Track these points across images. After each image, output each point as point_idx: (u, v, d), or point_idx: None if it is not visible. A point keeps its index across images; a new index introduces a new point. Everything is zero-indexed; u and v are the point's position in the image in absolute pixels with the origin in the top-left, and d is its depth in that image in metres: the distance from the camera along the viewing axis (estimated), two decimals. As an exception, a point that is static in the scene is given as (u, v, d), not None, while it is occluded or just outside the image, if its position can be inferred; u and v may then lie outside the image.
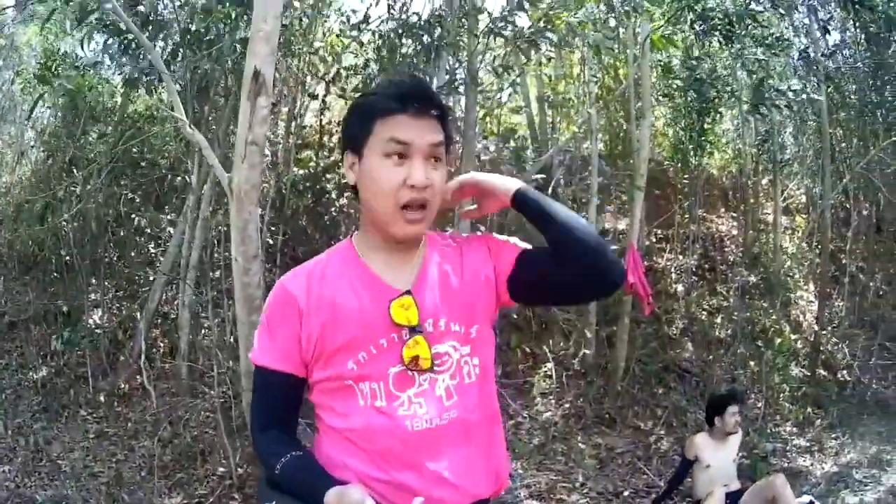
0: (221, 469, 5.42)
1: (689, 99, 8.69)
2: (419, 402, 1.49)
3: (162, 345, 7.10)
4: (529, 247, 1.67)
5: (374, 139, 1.51)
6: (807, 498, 5.23)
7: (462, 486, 1.50)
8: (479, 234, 1.77)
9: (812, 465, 6.64)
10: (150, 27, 6.08)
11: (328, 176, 8.16)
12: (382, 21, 6.22)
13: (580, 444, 6.55)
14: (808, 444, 7.06)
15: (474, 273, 1.61)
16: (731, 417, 5.24)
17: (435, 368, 1.51)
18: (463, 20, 5.70)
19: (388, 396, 1.49)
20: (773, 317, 9.01)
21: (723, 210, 11.45)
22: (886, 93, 9.38)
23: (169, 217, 7.63)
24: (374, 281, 1.56)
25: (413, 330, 1.50)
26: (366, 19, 6.19)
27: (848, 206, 10.59)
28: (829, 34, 9.40)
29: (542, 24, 5.30)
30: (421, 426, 1.48)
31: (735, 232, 11.01)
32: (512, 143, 9.75)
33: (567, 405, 7.23)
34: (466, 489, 1.51)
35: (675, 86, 8.67)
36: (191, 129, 4.18)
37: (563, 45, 5.91)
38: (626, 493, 5.84)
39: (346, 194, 7.84)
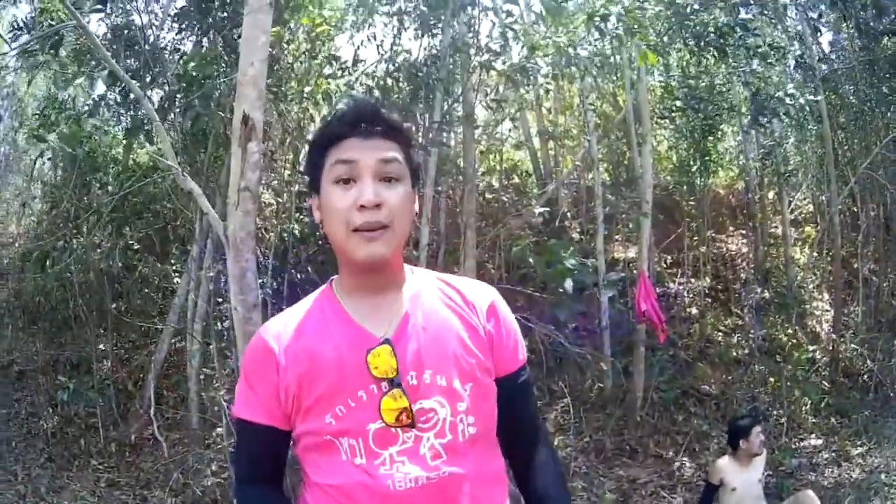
0: None
1: (689, 119, 8.67)
2: (402, 461, 1.41)
3: (172, 395, 7.09)
4: (524, 368, 1.62)
5: (326, 168, 1.47)
6: None
7: None
8: (491, 292, 1.64)
9: (840, 475, 6.52)
10: (147, 75, 6.15)
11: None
12: (374, 64, 6.24)
13: (601, 478, 6.47)
14: (833, 456, 6.94)
15: (472, 326, 1.52)
16: (756, 438, 5.12)
17: (418, 425, 1.42)
18: (455, 57, 5.69)
19: (369, 453, 1.41)
20: (790, 331, 8.93)
21: (732, 228, 11.38)
22: (884, 88, 9.33)
23: (174, 267, 7.62)
24: (351, 328, 1.48)
25: (392, 382, 1.41)
26: (355, 62, 6.21)
27: (855, 209, 10.53)
28: (821, 33, 9.44)
29: (532, 49, 5.27)
30: (404, 486, 1.39)
31: (745, 249, 10.93)
32: (515, 179, 9.69)
33: (587, 439, 7.14)
34: None
35: (674, 107, 8.61)
36: (184, 177, 4.14)
37: (557, 73, 5.86)
38: None
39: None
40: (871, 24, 8.93)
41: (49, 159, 8.68)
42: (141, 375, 7.21)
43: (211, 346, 6.20)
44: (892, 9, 8.71)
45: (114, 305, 7.37)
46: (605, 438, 7.07)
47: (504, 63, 5.66)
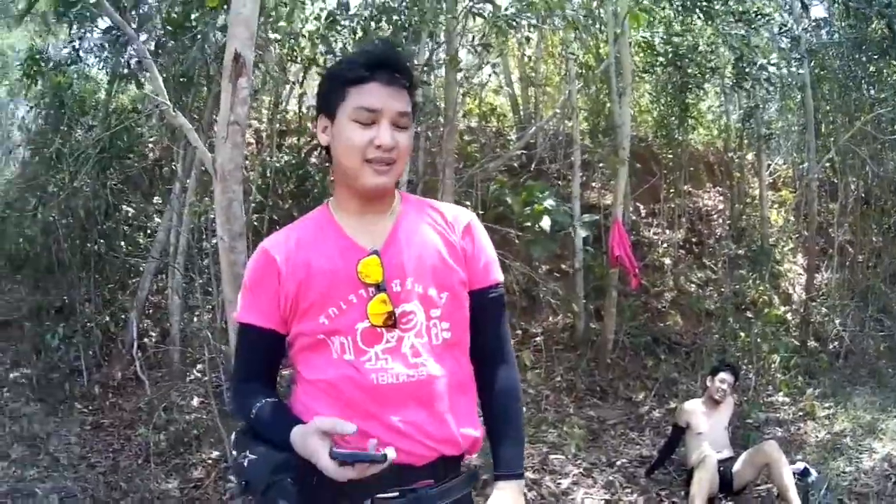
0: (216, 453, 5.51)
1: (670, 75, 8.89)
2: (386, 358, 1.59)
3: (154, 333, 7.24)
4: (495, 286, 1.78)
5: (347, 105, 1.61)
6: (801, 464, 5.31)
7: (422, 441, 1.61)
8: (469, 215, 1.83)
9: (805, 433, 6.76)
10: (135, 19, 6.25)
11: (311, 160, 8.28)
12: (359, 7, 6.36)
13: (571, 416, 6.69)
14: (800, 414, 7.21)
15: (450, 242, 1.71)
16: (719, 383, 5.43)
17: (400, 326, 1.61)
18: (441, 1, 5.82)
19: (357, 351, 1.59)
20: (761, 288, 9.19)
21: (709, 185, 11.64)
22: (871, 67, 9.60)
23: (156, 207, 7.76)
24: (345, 241, 1.67)
25: (378, 287, 1.60)
26: (346, 7, 6.34)
27: (835, 180, 10.82)
28: (808, 9, 9.57)
29: (521, 4, 5.42)
30: (386, 381, 1.58)
31: (721, 206, 11.20)
32: (494, 122, 9.87)
33: (558, 379, 7.36)
34: (426, 444, 1.61)
35: (655, 62, 8.79)
36: (174, 113, 4.29)
37: (542, 26, 6.02)
38: (619, 463, 5.91)
39: (315, 153, 8.08)
40: (861, 8, 9.03)
41: (32, 108, 8.77)
42: (123, 317, 7.32)
43: (194, 281, 6.37)
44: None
45: (96, 247, 7.48)
46: (576, 379, 7.32)
47: (490, 11, 5.79)
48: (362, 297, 1.61)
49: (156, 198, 8.16)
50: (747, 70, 8.41)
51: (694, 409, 5.47)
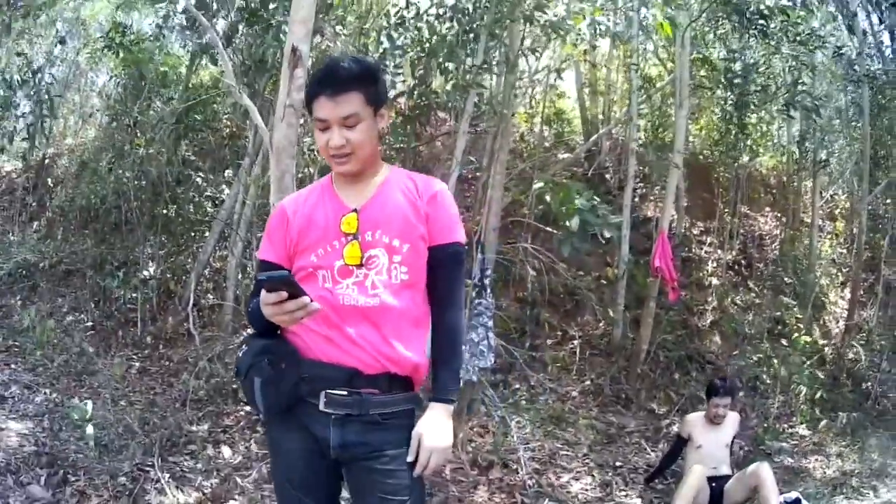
0: (249, 408, 5.98)
1: (724, 93, 9.11)
2: (353, 288, 2.15)
3: (210, 296, 7.91)
4: (451, 245, 2.26)
5: (313, 115, 2.21)
6: (794, 494, 5.39)
7: (371, 353, 2.12)
8: (438, 185, 2.33)
9: (813, 467, 6.86)
10: (214, 3, 6.92)
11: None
12: (426, 6, 6.88)
13: (593, 420, 7.02)
14: (815, 446, 7.33)
15: (416, 207, 2.23)
16: (712, 408, 5.56)
17: (366, 266, 2.16)
18: (501, 5, 6.31)
19: (333, 282, 2.16)
20: (800, 316, 9.32)
21: (767, 209, 11.75)
22: None
23: (227, 178, 8.44)
24: (335, 201, 2.26)
25: (353, 237, 2.17)
26: (408, 4, 6.88)
27: (889, 214, 10.83)
28: (866, 35, 9.59)
29: (565, 13, 5.88)
30: (349, 303, 2.13)
31: (777, 231, 11.32)
32: (558, 126, 10.27)
33: (587, 382, 7.73)
34: (374, 357, 2.13)
35: (710, 78, 9.06)
36: (240, 94, 4.92)
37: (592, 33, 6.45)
38: (624, 468, 6.16)
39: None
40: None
41: (113, 76, 9.54)
42: (183, 276, 8.02)
43: (253, 250, 6.99)
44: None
45: (164, 211, 8.22)
46: (604, 384, 7.66)
47: (542, 17, 6.28)
48: (342, 243, 2.18)
49: (227, 171, 8.86)
50: (799, 93, 8.54)
51: (695, 422, 5.66)
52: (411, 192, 2.26)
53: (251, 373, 2.16)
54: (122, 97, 9.03)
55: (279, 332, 2.24)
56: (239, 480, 4.90)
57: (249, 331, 2.35)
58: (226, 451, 5.44)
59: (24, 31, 10.06)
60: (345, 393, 2.13)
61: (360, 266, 2.16)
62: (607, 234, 5.46)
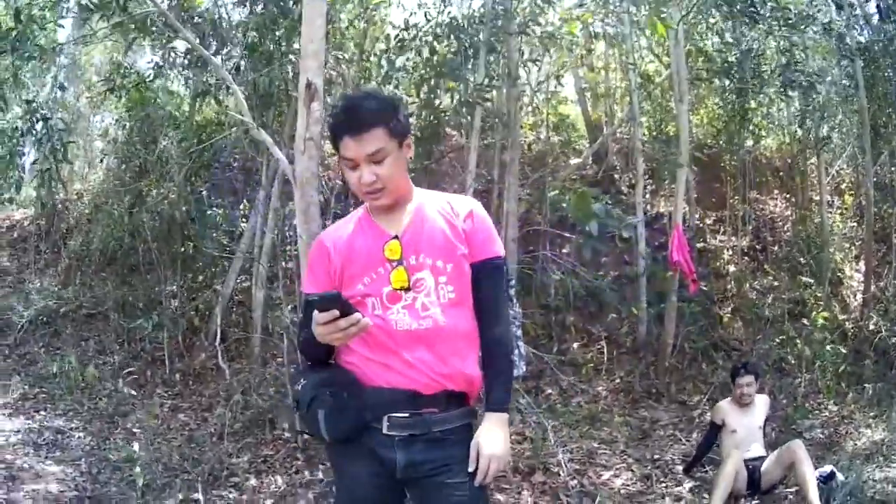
0: (287, 434, 6.25)
1: (725, 82, 9.32)
2: (404, 312, 2.26)
3: (236, 329, 8.06)
4: (492, 259, 2.39)
5: (340, 154, 2.32)
6: (829, 467, 5.53)
7: (427, 374, 2.25)
8: (473, 203, 2.47)
9: (843, 439, 6.97)
10: (213, 41, 7.16)
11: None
12: (423, 27, 7.13)
13: (626, 416, 7.24)
14: (843, 420, 7.47)
15: (454, 226, 2.35)
16: (737, 389, 5.82)
17: (414, 290, 2.28)
18: (495, 21, 6.55)
19: (384, 308, 2.27)
20: (819, 295, 9.50)
21: (776, 191, 11.93)
22: None
23: (242, 211, 8.67)
24: (375, 229, 2.37)
25: (399, 262, 2.30)
26: (406, 28, 7.12)
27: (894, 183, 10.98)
28: (852, 7, 9.66)
29: (559, 22, 6.12)
30: (403, 327, 2.25)
31: (788, 213, 11.50)
32: (565, 133, 10.48)
33: (617, 381, 7.94)
34: (431, 377, 2.25)
35: (707, 69, 9.24)
36: (258, 130, 5.13)
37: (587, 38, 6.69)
38: (664, 460, 6.36)
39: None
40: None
41: (117, 120, 9.77)
42: (207, 312, 8.19)
43: (276, 278, 7.24)
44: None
45: (182, 249, 8.43)
46: (633, 381, 7.88)
47: (537, 29, 6.55)
48: (387, 269, 2.30)
49: (241, 203, 9.07)
50: (795, 73, 8.72)
51: (727, 408, 5.86)
52: (448, 213, 2.38)
53: (314, 405, 2.29)
54: (128, 139, 9.26)
55: (332, 361, 2.39)
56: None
57: (299, 364, 2.51)
58: (269, 480, 5.59)
59: (27, 79, 10.26)
60: (406, 415, 2.26)
61: (407, 290, 2.28)
62: (625, 235, 5.69)
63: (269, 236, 7.24)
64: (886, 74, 10.01)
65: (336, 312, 2.06)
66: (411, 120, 7.47)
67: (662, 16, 6.37)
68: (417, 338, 2.26)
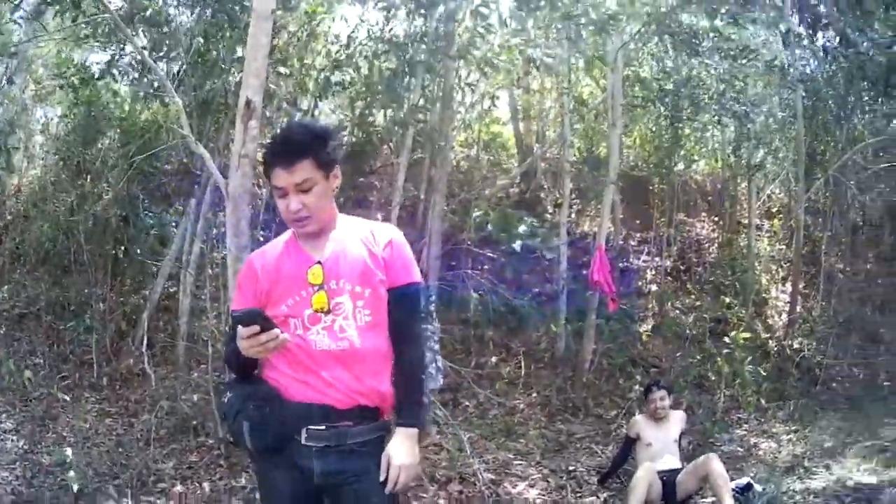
0: (211, 441, 6.42)
1: (659, 108, 9.69)
2: (324, 333, 2.42)
3: (163, 334, 8.16)
4: (408, 285, 2.56)
5: (271, 183, 2.49)
6: (745, 479, 5.80)
7: (343, 391, 2.42)
8: (393, 232, 2.64)
9: (762, 452, 7.35)
10: (159, 46, 7.32)
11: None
12: (364, 42, 7.38)
13: (543, 429, 7.48)
14: (764, 434, 7.86)
15: (373, 254, 2.51)
16: (651, 403, 6.14)
17: (333, 313, 2.44)
18: (437, 43, 6.85)
19: (304, 328, 2.43)
20: (741, 315, 9.90)
21: (703, 214, 12.44)
22: (865, 97, 10.23)
23: (173, 217, 8.78)
24: (300, 254, 2.52)
25: (320, 287, 2.46)
26: (348, 44, 7.38)
27: (826, 209, 11.52)
28: (801, 38, 10.00)
29: (498, 49, 6.44)
30: (322, 347, 2.42)
31: (714, 235, 11.98)
32: (496, 153, 10.78)
33: (534, 395, 8.18)
34: (346, 393, 2.42)
35: (644, 96, 9.60)
36: (196, 144, 5.37)
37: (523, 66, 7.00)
38: (578, 472, 6.62)
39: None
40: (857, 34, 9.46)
41: (61, 116, 9.81)
42: (134, 317, 8.25)
43: (203, 286, 7.37)
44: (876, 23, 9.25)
45: (114, 251, 8.48)
46: (551, 395, 8.12)
47: (476, 53, 6.86)
48: (310, 292, 2.46)
49: (172, 208, 9.17)
50: (729, 102, 9.11)
51: (642, 422, 6.12)
52: (369, 241, 2.55)
53: (239, 417, 2.45)
54: (69, 136, 9.29)
55: (256, 374, 2.54)
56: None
57: (227, 375, 2.74)
58: (194, 486, 5.77)
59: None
60: (323, 427, 2.42)
61: (327, 313, 2.44)
62: (548, 256, 6.00)
63: (197, 244, 7.36)
64: (828, 105, 10.44)
65: (257, 328, 2.23)
66: (344, 135, 7.84)
67: (600, 53, 6.72)
68: (335, 357, 2.44)
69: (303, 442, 2.43)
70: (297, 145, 2.46)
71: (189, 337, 7.67)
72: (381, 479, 2.43)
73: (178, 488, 5.65)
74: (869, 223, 12.27)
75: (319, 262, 2.50)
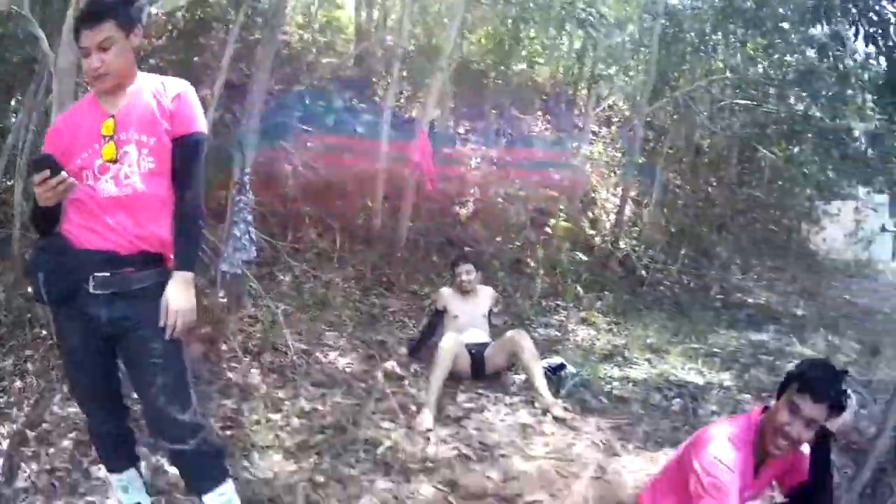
0: (45, 332, 6.07)
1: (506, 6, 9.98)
2: (110, 181, 2.60)
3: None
4: (190, 135, 2.74)
5: (78, 45, 2.67)
6: (558, 359, 6.00)
7: (125, 236, 2.60)
8: (183, 85, 2.77)
9: (582, 339, 7.76)
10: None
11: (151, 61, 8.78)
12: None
13: (357, 303, 7.74)
14: (584, 324, 8.38)
15: (162, 106, 2.68)
16: (457, 277, 6.32)
17: (119, 161, 2.61)
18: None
19: (94, 178, 2.61)
20: (563, 207, 10.47)
21: (539, 113, 13.02)
22: (732, 38, 10.95)
23: (13, 107, 8.44)
24: (97, 109, 2.68)
25: (110, 138, 2.63)
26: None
27: (669, 127, 12.46)
28: None
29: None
30: (107, 194, 2.60)
31: (548, 133, 12.62)
32: (329, 36, 11.02)
33: (350, 269, 8.33)
34: (128, 239, 2.61)
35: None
36: (33, 23, 5.31)
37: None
38: (389, 343, 6.80)
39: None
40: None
41: None
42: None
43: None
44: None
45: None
46: (366, 270, 8.36)
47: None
48: (101, 144, 2.63)
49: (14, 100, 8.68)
50: (578, 10, 9.43)
51: (448, 295, 6.28)
52: (159, 93, 2.71)
53: (35, 269, 2.62)
54: None
55: (56, 231, 2.68)
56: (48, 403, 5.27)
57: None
58: (31, 380, 5.57)
59: None
60: (108, 274, 2.60)
61: (115, 162, 2.61)
62: (360, 130, 6.31)
63: (31, 129, 7.29)
64: (689, 37, 11.11)
65: (48, 172, 2.40)
66: (180, 14, 7.82)
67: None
68: (118, 203, 2.61)
69: (90, 290, 2.61)
70: (101, 6, 2.63)
71: (22, 226, 7.18)
72: (161, 324, 2.62)
73: (18, 384, 5.55)
74: (715, 151, 13.22)
75: (112, 116, 2.67)
